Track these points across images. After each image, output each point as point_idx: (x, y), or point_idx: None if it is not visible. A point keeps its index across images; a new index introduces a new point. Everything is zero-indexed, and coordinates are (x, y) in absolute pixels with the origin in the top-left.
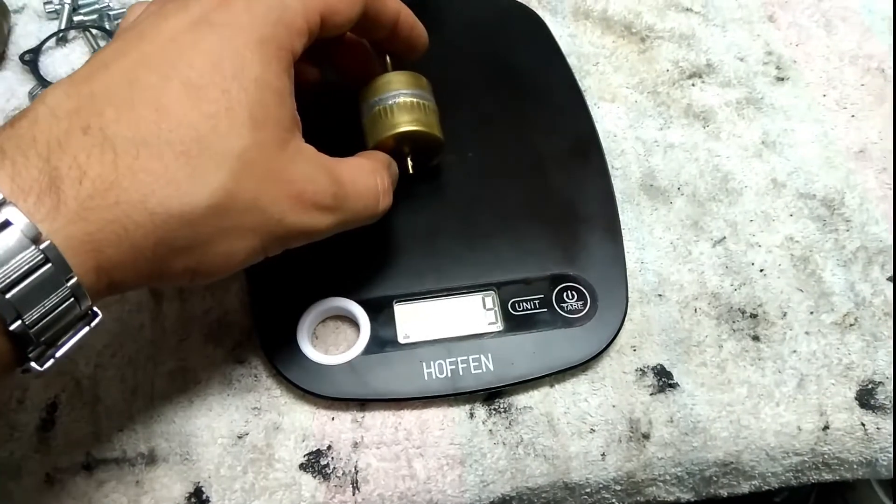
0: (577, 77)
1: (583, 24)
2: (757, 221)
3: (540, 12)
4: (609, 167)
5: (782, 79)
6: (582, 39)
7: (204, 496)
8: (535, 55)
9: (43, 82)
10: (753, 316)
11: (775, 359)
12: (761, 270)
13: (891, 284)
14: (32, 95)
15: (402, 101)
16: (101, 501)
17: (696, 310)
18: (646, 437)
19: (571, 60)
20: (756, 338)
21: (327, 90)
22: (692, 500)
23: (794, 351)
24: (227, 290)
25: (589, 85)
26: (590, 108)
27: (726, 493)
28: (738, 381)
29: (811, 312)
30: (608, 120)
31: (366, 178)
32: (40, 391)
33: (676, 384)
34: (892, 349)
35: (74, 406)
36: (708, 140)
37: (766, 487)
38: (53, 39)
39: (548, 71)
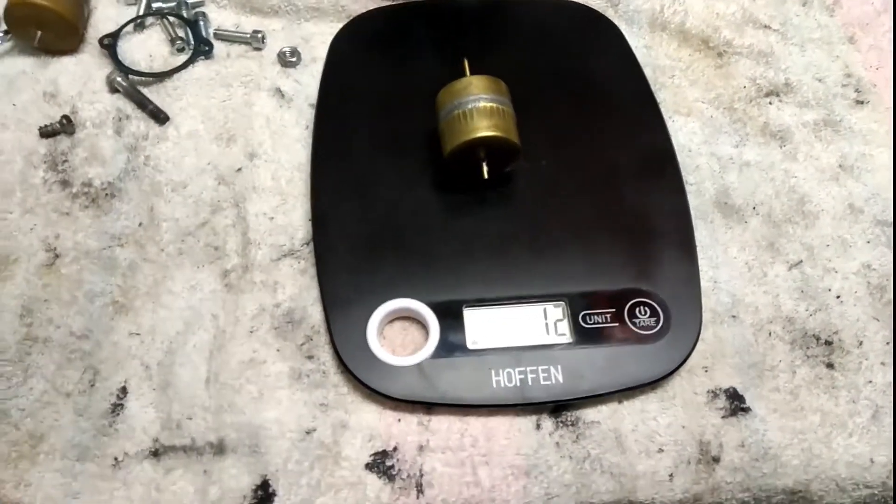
0: (653, 89)
1: (659, 35)
2: (833, 246)
3: (616, 22)
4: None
5: (861, 102)
6: (658, 51)
7: (271, 489)
8: (611, 65)
9: (121, 67)
10: (828, 343)
11: (850, 388)
12: (837, 297)
13: None
14: (111, 80)
15: (482, 106)
16: (168, 489)
17: (770, 333)
18: (716, 460)
19: (647, 72)
20: (830, 365)
21: (401, 91)
22: None
23: (870, 381)
24: (299, 285)
25: (664, 98)
26: (665, 121)
27: None
28: (811, 408)
29: (887, 343)
30: (683, 134)
31: None
32: (112, 374)
33: (749, 408)
34: None
35: (144, 391)
36: (784, 160)
37: None
38: (131, 25)
39: (623, 81)
